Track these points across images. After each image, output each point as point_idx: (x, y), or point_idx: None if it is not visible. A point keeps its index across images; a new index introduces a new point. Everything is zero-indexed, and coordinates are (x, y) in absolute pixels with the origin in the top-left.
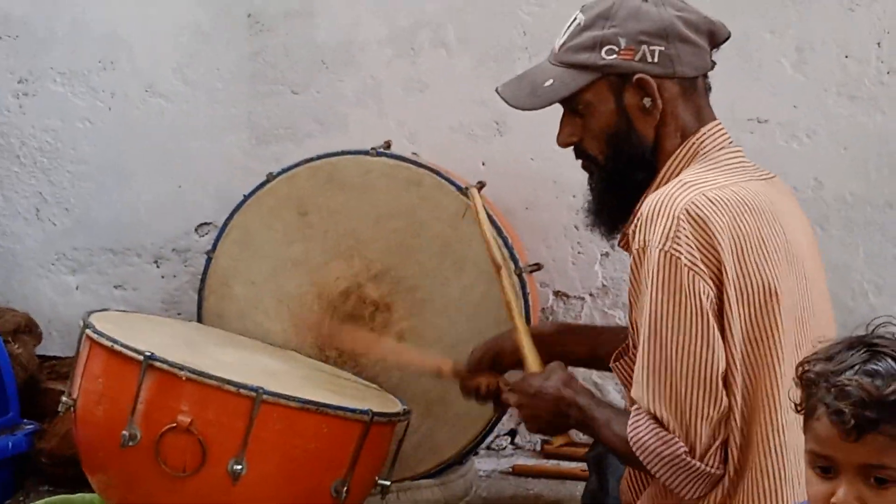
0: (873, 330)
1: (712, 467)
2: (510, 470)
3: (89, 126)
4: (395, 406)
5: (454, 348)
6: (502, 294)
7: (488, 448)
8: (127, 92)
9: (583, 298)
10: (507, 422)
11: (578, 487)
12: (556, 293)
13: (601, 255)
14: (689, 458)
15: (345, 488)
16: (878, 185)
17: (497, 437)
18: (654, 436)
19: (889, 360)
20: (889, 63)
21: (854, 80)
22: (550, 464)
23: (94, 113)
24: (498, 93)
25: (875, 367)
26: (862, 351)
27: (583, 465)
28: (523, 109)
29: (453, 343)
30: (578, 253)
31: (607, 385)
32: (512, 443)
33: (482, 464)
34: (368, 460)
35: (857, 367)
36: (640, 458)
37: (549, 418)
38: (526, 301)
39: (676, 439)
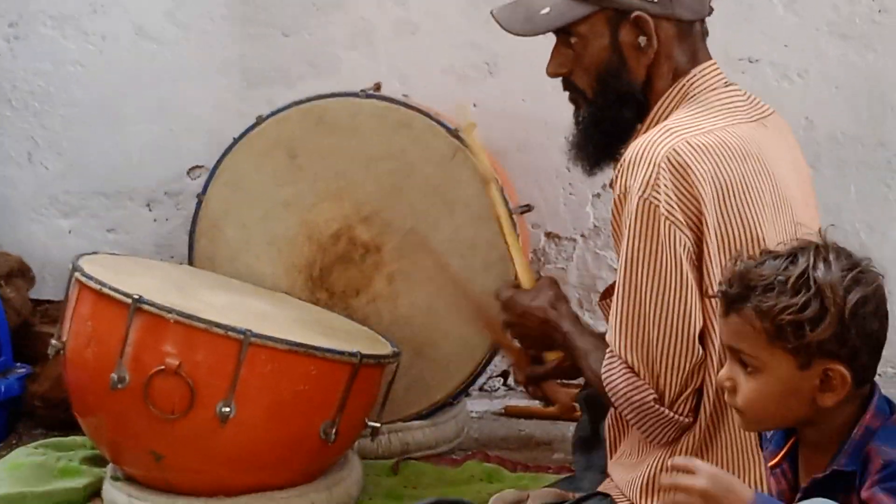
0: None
1: (681, 415)
2: (502, 411)
3: (81, 70)
4: (384, 348)
5: (444, 290)
6: (492, 209)
7: (480, 389)
8: (118, 35)
9: (574, 240)
10: (500, 363)
11: (570, 427)
12: (548, 234)
13: (593, 195)
14: (657, 406)
15: (334, 430)
16: (869, 124)
17: (490, 378)
18: (625, 380)
19: (783, 259)
20: (881, 2)
21: (846, 20)
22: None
23: (85, 56)
24: (493, 15)
25: (769, 258)
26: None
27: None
28: (517, 35)
29: (443, 285)
30: (570, 194)
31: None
32: (504, 384)
33: (474, 405)
34: (357, 402)
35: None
36: (612, 399)
37: (536, 337)
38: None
39: (646, 386)
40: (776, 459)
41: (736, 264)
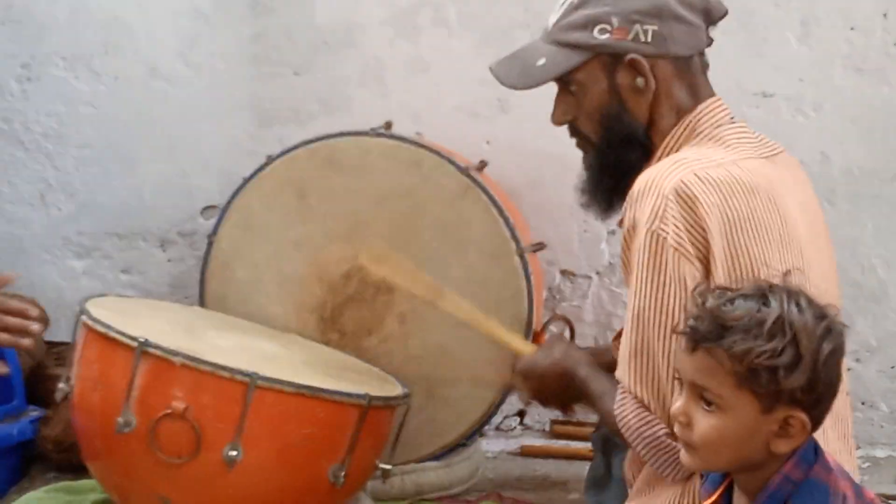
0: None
1: None
2: (518, 451)
3: (93, 111)
4: (394, 389)
5: (456, 330)
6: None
7: (497, 429)
8: (129, 76)
9: (589, 277)
10: (516, 403)
11: (586, 468)
12: (563, 272)
13: (608, 232)
14: (669, 440)
15: (343, 473)
16: (885, 157)
17: (506, 417)
18: (637, 416)
19: (755, 300)
20: (895, 34)
21: (860, 53)
22: (559, 444)
23: (97, 97)
24: (491, 70)
25: (739, 298)
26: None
27: (591, 446)
28: (515, 88)
29: (455, 325)
30: (584, 231)
31: None
32: (521, 423)
33: (490, 445)
34: (367, 445)
35: (730, 296)
36: (625, 436)
37: (559, 394)
38: (528, 281)
39: (657, 420)
40: (713, 498)
41: (704, 301)
